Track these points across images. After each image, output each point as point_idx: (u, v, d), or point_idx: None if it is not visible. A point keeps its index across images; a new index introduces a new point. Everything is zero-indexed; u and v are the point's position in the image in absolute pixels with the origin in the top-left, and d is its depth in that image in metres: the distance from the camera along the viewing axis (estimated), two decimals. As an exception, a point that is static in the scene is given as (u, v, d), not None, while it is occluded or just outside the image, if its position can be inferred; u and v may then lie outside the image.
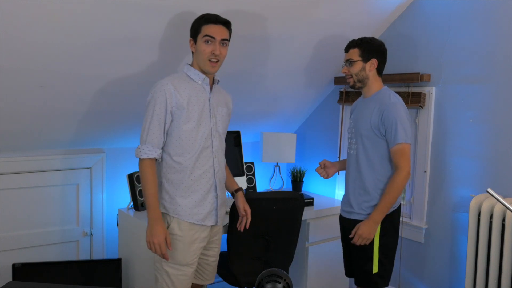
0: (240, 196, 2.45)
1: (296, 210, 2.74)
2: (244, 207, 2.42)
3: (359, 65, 2.45)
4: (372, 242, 2.43)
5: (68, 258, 2.99)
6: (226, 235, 2.67)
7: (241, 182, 3.42)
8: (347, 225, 2.54)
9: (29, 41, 2.16)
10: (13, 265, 2.66)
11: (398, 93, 3.03)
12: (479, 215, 2.60)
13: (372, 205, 2.44)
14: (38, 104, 2.52)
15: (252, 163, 3.60)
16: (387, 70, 3.17)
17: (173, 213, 2.19)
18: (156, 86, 2.16)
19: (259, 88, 3.25)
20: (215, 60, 2.18)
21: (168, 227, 2.19)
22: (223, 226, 2.70)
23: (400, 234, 3.13)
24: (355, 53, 2.46)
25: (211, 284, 3.49)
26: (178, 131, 2.16)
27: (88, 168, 3.04)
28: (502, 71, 2.63)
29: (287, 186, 3.91)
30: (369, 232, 2.39)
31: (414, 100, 2.99)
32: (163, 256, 2.14)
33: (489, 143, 2.71)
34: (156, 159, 2.17)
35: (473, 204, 2.61)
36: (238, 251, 2.67)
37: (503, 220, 2.51)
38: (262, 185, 3.82)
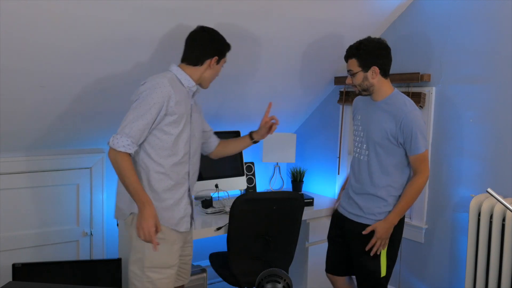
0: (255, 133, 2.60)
1: (296, 210, 2.74)
2: (266, 129, 2.54)
3: (360, 75, 2.38)
4: None
5: (68, 258, 2.99)
6: (226, 235, 2.67)
7: (241, 182, 3.42)
8: (350, 226, 2.51)
9: (29, 41, 2.16)
10: (13, 265, 2.66)
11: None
12: (479, 215, 2.59)
13: (384, 211, 2.41)
14: (38, 104, 2.52)
15: (252, 163, 3.60)
16: (387, 70, 3.18)
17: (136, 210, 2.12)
18: (157, 85, 2.07)
19: (259, 88, 3.25)
20: None
21: None
22: (223, 226, 2.71)
23: (401, 240, 3.13)
24: (353, 64, 2.38)
25: (211, 284, 3.50)
26: (163, 134, 2.11)
27: (88, 168, 3.04)
28: (502, 71, 2.63)
29: (287, 186, 3.91)
30: (388, 234, 2.39)
31: (414, 100, 2.97)
32: (152, 243, 2.02)
33: (489, 143, 2.71)
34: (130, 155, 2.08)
35: (473, 204, 2.61)
36: (238, 251, 2.67)
37: (503, 220, 2.51)
38: (262, 185, 3.82)
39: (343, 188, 2.75)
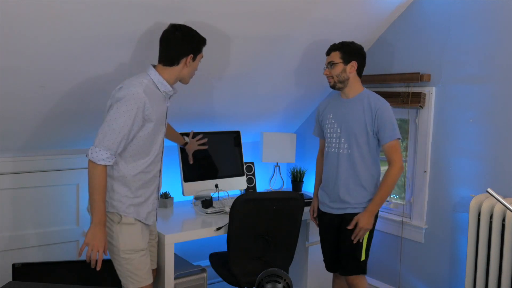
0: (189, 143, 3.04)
1: (296, 210, 2.74)
2: (196, 142, 3.06)
3: (340, 67, 2.61)
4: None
5: (68, 258, 2.99)
6: (226, 235, 2.67)
7: (241, 182, 3.43)
8: (338, 220, 2.66)
9: (29, 41, 2.16)
10: (13, 265, 2.66)
11: (398, 93, 3.05)
12: (479, 215, 2.60)
13: (369, 199, 2.62)
14: (38, 104, 2.52)
15: (252, 163, 3.60)
16: (387, 70, 3.19)
17: (123, 212, 2.21)
18: (132, 96, 2.07)
19: (259, 88, 3.25)
20: None
21: (120, 222, 2.21)
22: (223, 226, 2.71)
23: (400, 234, 3.13)
24: (336, 56, 2.63)
25: (211, 284, 3.50)
26: (141, 140, 2.17)
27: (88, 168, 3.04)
28: (502, 71, 2.63)
29: (287, 186, 3.91)
30: (369, 223, 2.57)
31: (414, 100, 2.99)
32: (96, 263, 2.10)
33: (489, 143, 2.71)
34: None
35: (473, 204, 2.61)
36: (238, 251, 2.67)
37: (503, 220, 2.51)
38: (262, 185, 3.82)
39: (317, 187, 2.89)
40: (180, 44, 2.21)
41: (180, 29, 2.22)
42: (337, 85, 2.65)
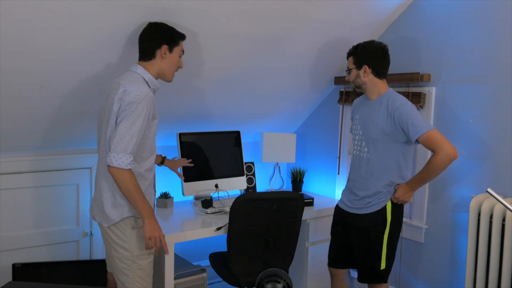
0: (169, 161, 3.00)
1: (296, 210, 2.74)
2: (177, 163, 3.01)
3: (354, 72, 2.59)
4: (381, 240, 2.54)
5: (68, 258, 2.99)
6: (226, 235, 2.67)
7: (241, 182, 3.43)
8: (351, 220, 2.63)
9: (29, 41, 2.16)
10: (13, 265, 2.66)
11: (398, 93, 3.04)
12: (479, 215, 2.60)
13: (385, 204, 2.54)
14: (38, 104, 2.52)
15: (252, 163, 3.60)
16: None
17: (136, 214, 2.23)
18: (145, 96, 2.11)
19: (259, 88, 3.25)
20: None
21: (134, 226, 2.25)
22: (223, 226, 2.71)
23: (400, 234, 3.13)
24: (350, 62, 2.61)
25: (211, 284, 3.50)
26: (149, 138, 2.22)
27: (88, 168, 3.04)
28: (502, 71, 2.63)
29: (287, 186, 3.91)
30: (404, 196, 2.51)
31: (414, 100, 2.99)
32: (165, 248, 2.25)
33: (489, 143, 2.71)
34: None
35: (473, 204, 2.61)
36: (238, 251, 2.67)
37: (503, 220, 2.51)
38: (262, 185, 3.82)
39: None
40: (153, 36, 2.26)
41: (154, 25, 2.28)
42: (356, 90, 2.65)
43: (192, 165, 3.10)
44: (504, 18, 2.60)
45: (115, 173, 2.09)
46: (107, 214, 2.22)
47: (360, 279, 2.66)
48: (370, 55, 2.54)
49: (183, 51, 2.35)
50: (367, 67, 2.54)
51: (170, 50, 2.27)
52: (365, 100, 2.65)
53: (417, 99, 2.97)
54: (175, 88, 2.82)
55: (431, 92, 2.95)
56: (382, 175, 2.52)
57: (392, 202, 2.54)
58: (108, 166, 2.08)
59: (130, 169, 2.11)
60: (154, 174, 2.41)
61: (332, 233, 2.81)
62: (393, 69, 3.15)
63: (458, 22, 2.81)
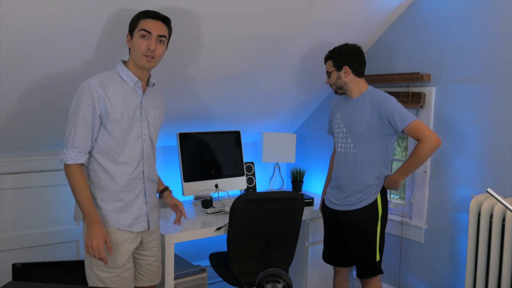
0: (168, 196, 2.49)
1: (296, 210, 2.74)
2: (174, 203, 2.46)
3: (334, 74, 2.68)
4: (374, 233, 2.61)
5: (68, 258, 2.99)
6: (226, 235, 2.67)
7: (241, 182, 3.43)
8: (344, 218, 2.67)
9: (29, 41, 2.16)
10: (13, 265, 2.66)
11: (398, 93, 3.05)
12: (479, 215, 2.60)
13: (375, 198, 2.61)
14: (38, 104, 2.52)
15: (252, 163, 3.60)
16: (387, 70, 3.18)
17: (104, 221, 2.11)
18: (84, 86, 2.01)
19: (259, 88, 3.25)
20: (151, 55, 2.07)
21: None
22: (223, 226, 2.71)
23: (400, 234, 3.13)
24: (329, 65, 2.70)
25: (211, 284, 3.50)
26: (106, 135, 2.07)
27: (88, 168, 3.04)
28: (502, 71, 2.63)
29: (287, 186, 3.91)
30: (392, 185, 2.61)
31: (414, 100, 2.99)
32: (102, 260, 2.04)
33: (489, 143, 2.71)
34: (83, 164, 2.07)
35: (473, 204, 2.61)
36: (238, 251, 2.67)
37: (503, 220, 2.51)
38: (262, 185, 3.82)
39: (327, 184, 2.94)
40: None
41: None
42: (338, 91, 2.72)
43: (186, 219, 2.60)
44: (504, 18, 2.60)
45: (64, 170, 2.05)
46: (74, 210, 2.18)
47: (360, 275, 2.69)
48: (349, 56, 2.64)
49: (145, 30, 2.06)
50: (347, 68, 2.62)
51: (132, 36, 2.09)
52: (345, 99, 2.74)
53: (417, 99, 2.97)
54: (175, 88, 2.82)
55: (431, 92, 2.95)
56: (371, 168, 2.59)
57: (381, 194, 2.62)
58: None
59: (74, 165, 2.01)
60: (142, 188, 2.19)
61: (325, 233, 2.86)
62: (393, 69, 3.15)
63: (458, 22, 2.81)
